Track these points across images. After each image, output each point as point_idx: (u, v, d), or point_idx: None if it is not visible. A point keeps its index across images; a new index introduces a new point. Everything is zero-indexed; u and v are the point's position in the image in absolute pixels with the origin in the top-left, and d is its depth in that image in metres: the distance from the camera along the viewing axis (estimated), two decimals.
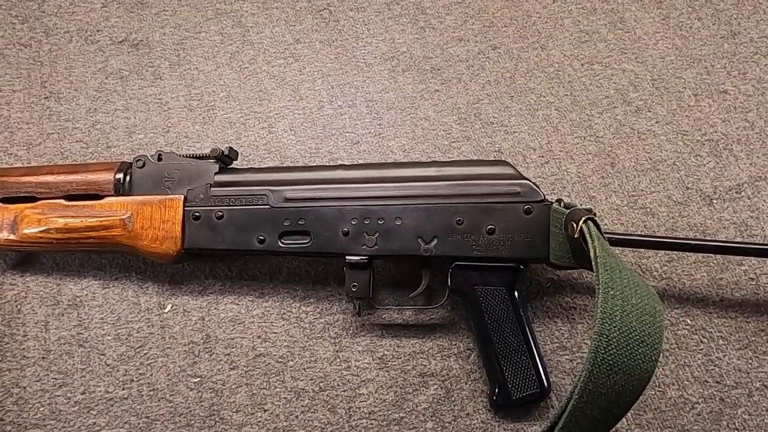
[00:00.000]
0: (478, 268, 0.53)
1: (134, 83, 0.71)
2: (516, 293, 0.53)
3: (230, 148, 0.58)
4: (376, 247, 0.54)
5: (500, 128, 0.67)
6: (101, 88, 0.70)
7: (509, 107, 0.68)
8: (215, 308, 0.58)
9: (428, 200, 0.54)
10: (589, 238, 0.44)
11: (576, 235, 0.46)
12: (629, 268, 0.43)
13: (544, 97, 0.68)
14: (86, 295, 0.59)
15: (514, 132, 0.66)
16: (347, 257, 0.54)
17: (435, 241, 0.53)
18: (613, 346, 0.36)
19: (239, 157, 0.61)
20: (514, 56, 0.71)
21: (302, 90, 0.70)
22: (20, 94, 0.70)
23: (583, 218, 0.46)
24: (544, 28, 0.72)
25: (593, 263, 0.41)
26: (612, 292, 0.38)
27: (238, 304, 0.58)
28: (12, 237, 0.56)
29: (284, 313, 0.58)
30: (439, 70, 0.70)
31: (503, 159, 0.60)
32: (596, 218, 0.46)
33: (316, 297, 0.59)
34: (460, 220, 0.53)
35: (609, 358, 0.36)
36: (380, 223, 0.54)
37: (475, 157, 0.65)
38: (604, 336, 0.37)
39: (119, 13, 0.74)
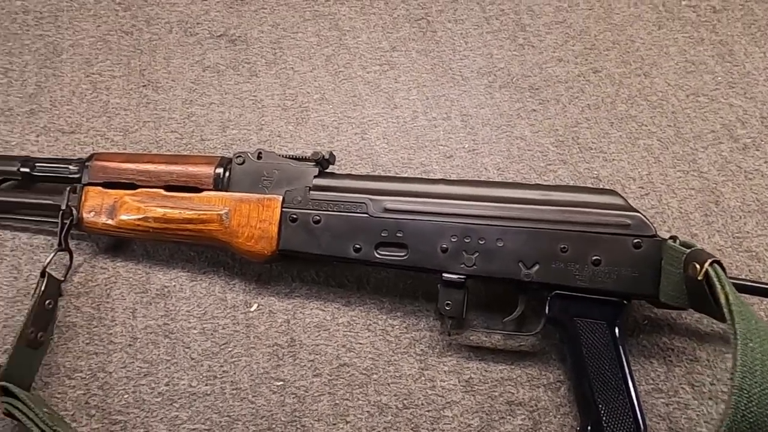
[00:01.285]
0: (579, 299, 0.51)
1: (230, 78, 0.71)
2: (616, 329, 0.51)
3: (331, 153, 0.57)
4: (474, 267, 0.52)
5: (599, 154, 0.65)
6: (198, 81, 0.71)
7: (609, 133, 0.66)
8: (301, 312, 0.58)
9: (532, 224, 0.52)
10: (717, 283, 0.41)
11: (699, 278, 0.44)
12: (761, 317, 0.40)
13: (646, 126, 0.66)
14: (174, 286, 0.59)
15: (613, 160, 0.64)
16: (444, 275, 0.53)
17: (537, 267, 0.52)
18: (754, 403, 0.34)
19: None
20: (615, 81, 0.69)
21: (397, 98, 0.69)
22: (119, 81, 0.71)
23: (710, 261, 0.43)
24: (648, 55, 0.70)
25: (726, 310, 0.39)
26: (751, 345, 0.36)
27: (324, 310, 0.58)
28: (110, 222, 0.57)
29: (370, 325, 0.57)
30: (537, 89, 0.69)
31: (611, 188, 0.58)
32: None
33: (403, 311, 0.58)
34: (564, 247, 0.51)
35: (750, 416, 0.34)
36: (481, 242, 0.52)
37: (572, 183, 0.63)
38: (745, 392, 0.35)
39: (219, 8, 0.75)
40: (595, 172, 0.64)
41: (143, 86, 0.71)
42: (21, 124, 0.68)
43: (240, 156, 0.57)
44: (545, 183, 0.62)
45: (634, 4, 0.74)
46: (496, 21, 0.74)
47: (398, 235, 0.53)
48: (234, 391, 0.55)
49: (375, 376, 0.55)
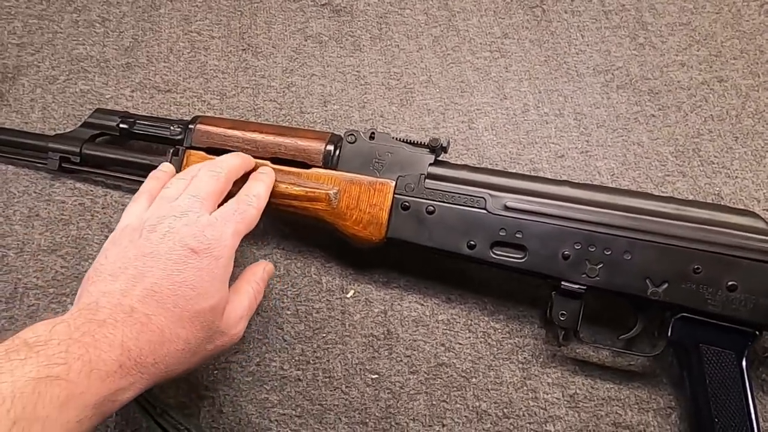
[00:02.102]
0: (708, 325, 0.48)
1: (333, 50, 0.68)
2: (744, 360, 0.48)
3: (448, 141, 0.54)
4: (597, 278, 0.49)
5: (721, 169, 0.61)
6: (299, 50, 0.68)
7: (732, 148, 0.62)
8: (399, 304, 0.55)
9: (664, 239, 0.48)
10: None
11: None
12: None
13: None
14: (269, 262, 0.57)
15: (737, 177, 0.60)
16: (563, 283, 0.49)
17: (665, 286, 0.48)
18: None
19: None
20: (741, 93, 0.64)
21: (507, 89, 0.65)
22: (218, 42, 0.68)
23: None
24: None
25: None
26: None
27: (422, 305, 0.55)
28: None
29: (471, 325, 0.54)
30: (657, 93, 0.65)
31: (752, 210, 0.54)
32: None
33: (506, 314, 0.55)
34: (698, 268, 0.48)
35: None
36: (606, 253, 0.49)
37: (691, 197, 0.59)
38: None
39: None
40: (717, 189, 0.60)
41: (243, 50, 0.68)
42: (116, 77, 0.66)
43: (352, 134, 0.54)
44: (680, 197, 0.58)
45: (765, 12, 0.69)
46: (616, 16, 0.69)
47: (517, 235, 0.50)
48: (327, 379, 0.52)
49: (474, 379, 0.52)
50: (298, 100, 0.65)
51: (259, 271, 0.49)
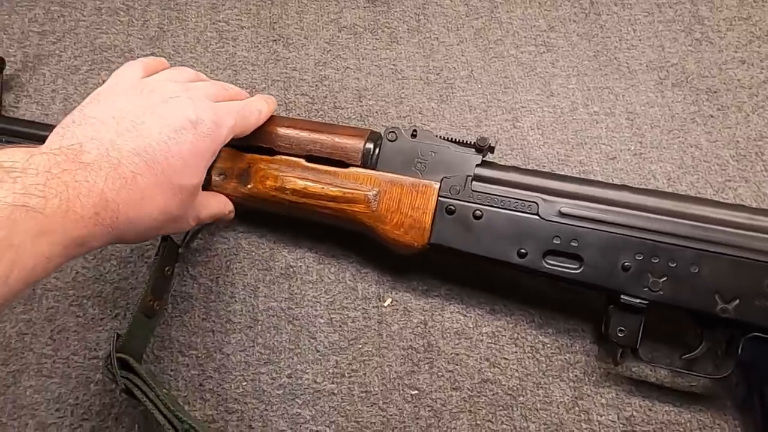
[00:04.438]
0: None
1: (368, 42, 0.64)
2: None
3: (496, 141, 0.50)
4: (660, 292, 0.45)
5: None
6: (333, 41, 0.64)
7: None
8: (440, 314, 0.51)
9: (736, 251, 0.44)
10: None
11: None
12: None
13: None
14: (300, 267, 0.53)
15: None
16: (623, 297, 0.45)
17: (736, 302, 0.44)
18: None
19: None
20: None
21: (553, 85, 0.61)
22: (247, 32, 0.65)
23: None
24: None
25: None
26: None
27: (465, 316, 0.51)
28: (241, 188, 0.51)
29: (517, 339, 0.51)
30: (715, 92, 0.60)
31: None
32: None
33: (556, 328, 0.51)
34: None
35: None
36: (671, 265, 0.45)
37: (755, 205, 0.55)
38: None
39: None
40: None
41: (273, 41, 0.64)
42: None
43: (392, 131, 0.50)
44: (750, 205, 0.54)
45: None
46: (670, 10, 0.65)
47: (573, 244, 0.46)
48: (363, 394, 0.49)
49: (522, 398, 0.48)
50: (332, 94, 0.61)
51: (227, 204, 0.50)
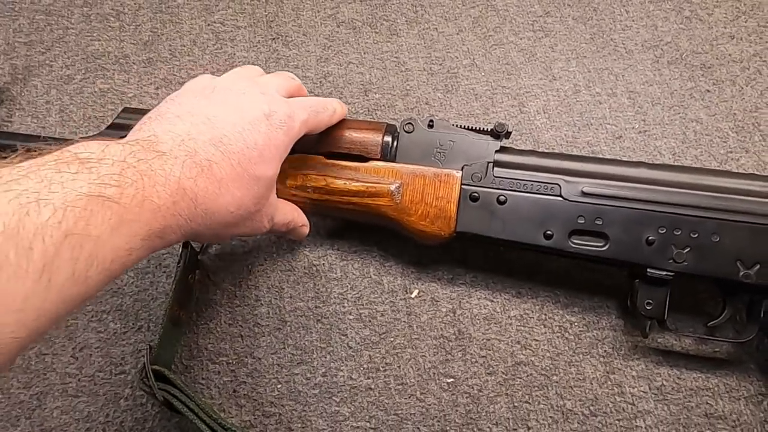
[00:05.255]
0: None
1: (368, 36, 0.64)
2: None
3: (510, 127, 0.50)
4: (685, 263, 0.46)
5: None
6: (332, 37, 0.64)
7: None
8: (467, 301, 0.52)
9: (754, 218, 0.46)
10: None
11: None
12: None
13: None
14: (323, 264, 0.53)
15: None
16: (649, 270, 0.47)
17: (757, 267, 0.46)
18: None
19: None
20: None
21: (555, 69, 0.62)
22: (245, 32, 0.64)
23: None
24: None
25: None
26: None
27: (492, 301, 0.52)
28: None
29: (545, 320, 0.51)
30: (709, 68, 0.62)
31: None
32: None
33: (581, 306, 0.52)
34: None
35: None
36: (693, 236, 0.46)
37: (757, 173, 0.57)
38: None
39: None
40: None
41: (272, 39, 0.63)
42: (138, 74, 0.61)
43: (409, 123, 0.50)
44: (761, 174, 0.56)
45: None
46: None
47: (597, 222, 0.47)
48: (399, 387, 0.49)
49: (555, 377, 0.49)
50: (337, 90, 0.61)
51: (301, 215, 0.50)
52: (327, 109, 0.48)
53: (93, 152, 0.32)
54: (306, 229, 0.50)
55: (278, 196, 0.50)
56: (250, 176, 0.39)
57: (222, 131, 0.38)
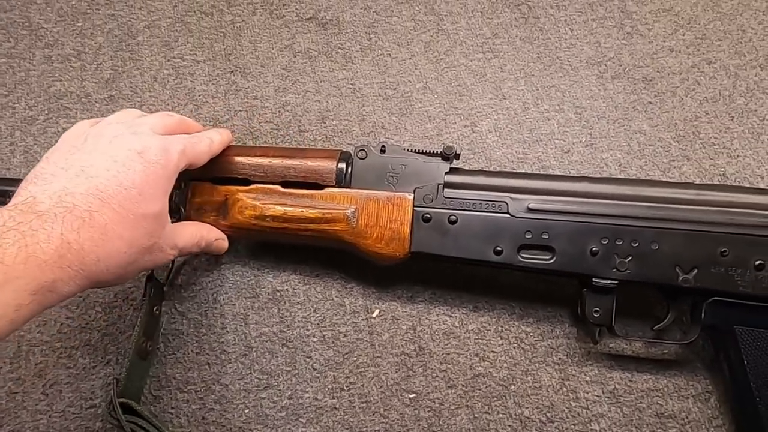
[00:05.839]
0: (740, 306, 0.48)
1: (324, 65, 0.66)
2: None
3: (461, 148, 0.53)
4: (628, 271, 0.49)
5: (722, 150, 0.61)
6: (289, 67, 0.66)
7: (730, 128, 0.63)
8: (426, 318, 0.54)
9: (689, 226, 0.49)
10: None
11: None
12: None
13: None
14: (286, 290, 0.55)
15: (738, 156, 0.61)
16: (594, 279, 0.49)
17: (695, 272, 0.48)
18: None
19: None
20: (731, 73, 0.66)
21: (504, 89, 0.65)
22: (204, 66, 0.66)
23: None
24: (762, 46, 0.67)
25: None
26: None
27: (450, 316, 0.54)
28: (221, 220, 0.52)
29: (502, 332, 0.53)
30: (651, 80, 0.65)
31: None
32: None
33: (535, 317, 0.54)
34: (725, 251, 0.48)
35: None
36: (634, 245, 0.49)
37: (698, 180, 0.60)
38: None
39: None
40: (721, 169, 0.60)
41: (230, 72, 0.65)
42: (100, 111, 0.63)
43: (362, 149, 0.53)
44: (698, 182, 0.59)
45: None
46: (600, 7, 0.70)
47: (543, 236, 0.50)
48: (363, 405, 0.51)
49: (513, 387, 0.51)
50: (295, 118, 0.63)
51: (212, 230, 0.51)
52: (203, 140, 0.48)
53: None
54: (224, 243, 0.52)
55: (237, 227, 0.52)
56: (135, 216, 0.40)
57: (97, 180, 0.40)
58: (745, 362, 0.48)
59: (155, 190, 0.42)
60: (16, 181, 0.54)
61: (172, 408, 0.50)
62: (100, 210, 0.39)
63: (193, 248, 0.49)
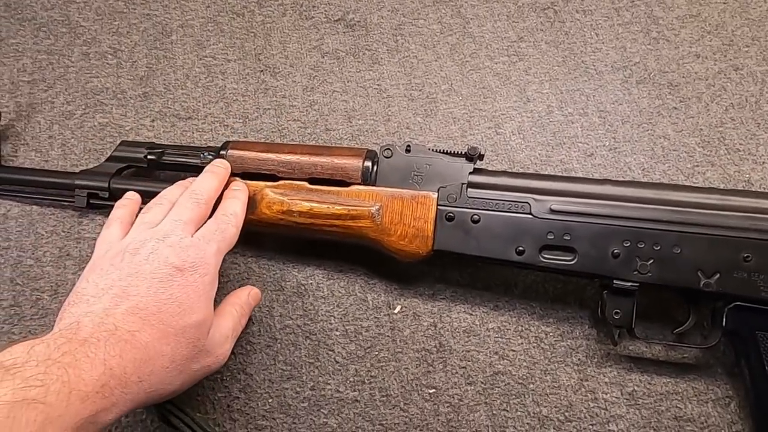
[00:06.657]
0: (762, 312, 0.48)
1: (351, 65, 0.67)
2: None
3: (484, 149, 0.54)
4: (649, 274, 0.49)
5: (748, 156, 0.61)
6: (317, 67, 0.67)
7: (756, 135, 0.62)
8: (447, 315, 0.55)
9: (712, 230, 0.49)
10: None
11: None
12: None
13: None
14: (311, 284, 0.56)
15: (764, 162, 0.61)
16: (615, 281, 0.49)
17: (717, 276, 0.48)
18: None
19: None
20: (758, 80, 0.65)
21: (529, 92, 0.66)
22: (235, 65, 0.68)
23: None
24: None
25: None
26: None
27: (471, 314, 0.55)
28: (249, 215, 0.53)
29: (522, 331, 0.54)
30: (676, 86, 0.65)
31: None
32: None
33: (555, 317, 0.55)
34: (747, 256, 0.48)
35: None
36: (656, 249, 0.49)
37: (722, 186, 0.60)
38: None
39: None
40: (746, 176, 0.60)
41: (260, 71, 0.67)
42: (134, 108, 0.65)
43: (388, 148, 0.54)
44: (722, 188, 0.59)
45: None
46: (627, 13, 0.70)
47: (565, 237, 0.50)
48: (384, 398, 0.52)
49: (532, 385, 0.52)
50: (322, 117, 0.64)
51: (244, 295, 0.51)
52: (230, 221, 0.48)
53: (18, 357, 0.34)
54: (256, 294, 0.52)
55: (265, 221, 0.53)
56: (175, 330, 0.40)
57: (137, 298, 0.40)
58: (767, 368, 0.48)
59: (196, 301, 0.42)
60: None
61: (199, 395, 0.52)
62: (141, 329, 0.39)
63: (241, 327, 0.49)
